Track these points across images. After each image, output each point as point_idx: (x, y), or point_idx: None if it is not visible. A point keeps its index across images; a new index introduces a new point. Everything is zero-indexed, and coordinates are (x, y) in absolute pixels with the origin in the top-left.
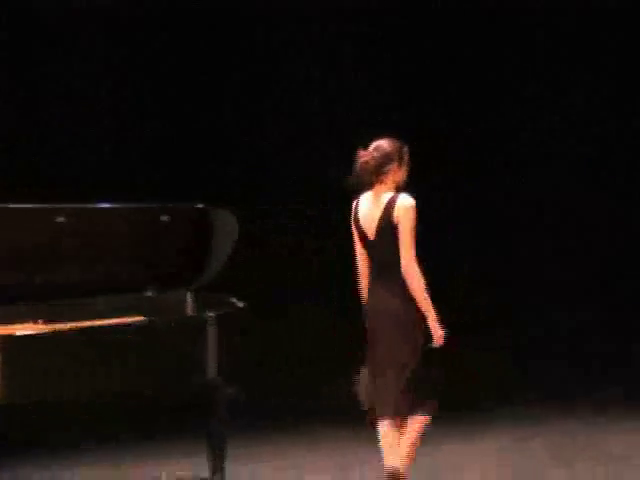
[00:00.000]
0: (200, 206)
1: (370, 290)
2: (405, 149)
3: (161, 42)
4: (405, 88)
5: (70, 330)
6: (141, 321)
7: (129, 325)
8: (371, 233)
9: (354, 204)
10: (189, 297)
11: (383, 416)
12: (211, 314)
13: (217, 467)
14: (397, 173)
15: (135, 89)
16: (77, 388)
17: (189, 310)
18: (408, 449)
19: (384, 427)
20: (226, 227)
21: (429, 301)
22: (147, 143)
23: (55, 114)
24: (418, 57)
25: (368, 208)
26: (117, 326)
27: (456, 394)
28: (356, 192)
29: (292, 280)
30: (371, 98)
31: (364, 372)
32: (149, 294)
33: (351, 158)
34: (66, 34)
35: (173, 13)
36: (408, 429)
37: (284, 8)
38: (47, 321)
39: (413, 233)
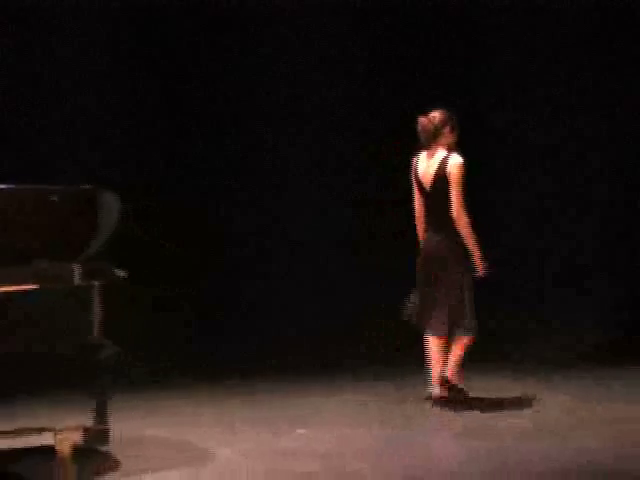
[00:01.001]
0: (86, 187)
1: (426, 233)
2: (455, 117)
3: (159, 40)
4: (403, 87)
5: None
6: (34, 288)
7: (23, 291)
8: (427, 185)
9: (414, 161)
10: (76, 268)
11: (428, 334)
12: (95, 282)
13: (101, 417)
14: (449, 136)
15: (134, 88)
16: None
17: (76, 279)
18: (453, 364)
19: (429, 343)
20: (110, 206)
21: (474, 240)
22: (147, 143)
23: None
24: (418, 52)
25: (425, 164)
26: (12, 292)
27: None
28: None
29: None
30: (370, 97)
31: (415, 294)
32: (41, 265)
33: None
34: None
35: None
36: (453, 348)
37: (281, 7)
38: None
39: (462, 186)
